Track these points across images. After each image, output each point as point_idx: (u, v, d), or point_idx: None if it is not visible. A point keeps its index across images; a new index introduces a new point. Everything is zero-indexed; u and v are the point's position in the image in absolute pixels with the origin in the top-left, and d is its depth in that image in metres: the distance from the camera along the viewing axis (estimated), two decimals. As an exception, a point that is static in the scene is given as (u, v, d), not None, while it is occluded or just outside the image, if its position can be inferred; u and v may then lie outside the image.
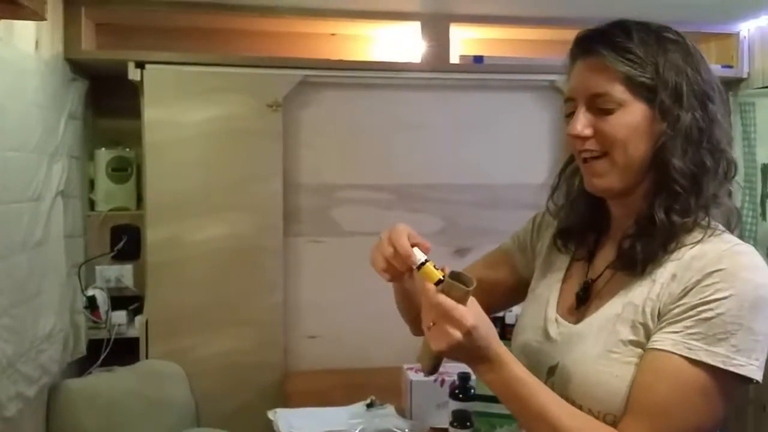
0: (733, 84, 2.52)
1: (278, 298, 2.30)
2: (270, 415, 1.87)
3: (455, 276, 0.94)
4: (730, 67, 2.53)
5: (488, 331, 0.93)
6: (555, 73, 2.37)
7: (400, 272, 1.06)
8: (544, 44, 2.65)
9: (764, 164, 2.38)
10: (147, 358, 2.20)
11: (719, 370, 0.88)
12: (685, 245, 0.96)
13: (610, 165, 0.98)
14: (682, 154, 0.95)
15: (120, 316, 2.30)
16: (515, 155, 2.48)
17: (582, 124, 0.99)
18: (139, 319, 2.25)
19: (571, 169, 1.12)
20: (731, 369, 0.88)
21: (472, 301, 0.93)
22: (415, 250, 1.00)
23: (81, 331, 2.21)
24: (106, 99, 2.42)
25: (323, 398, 2.00)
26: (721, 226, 0.98)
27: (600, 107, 0.98)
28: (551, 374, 1.02)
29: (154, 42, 2.37)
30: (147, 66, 2.17)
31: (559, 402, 0.94)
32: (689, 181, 0.95)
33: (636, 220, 1.00)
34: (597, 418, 0.94)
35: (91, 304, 2.26)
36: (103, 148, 2.39)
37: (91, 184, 2.40)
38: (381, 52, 2.58)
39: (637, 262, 0.97)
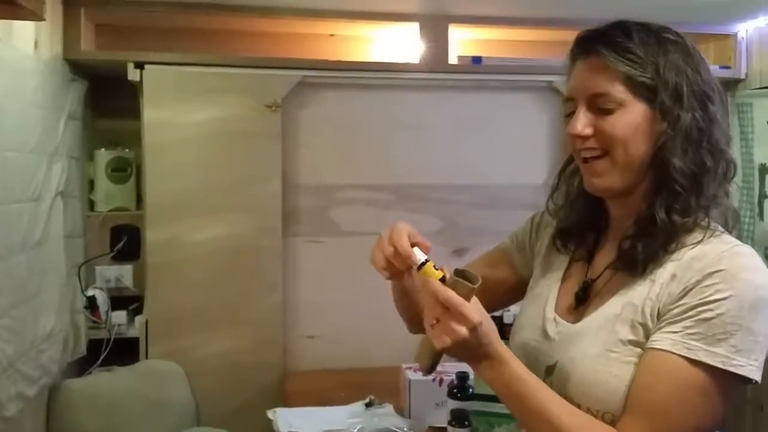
0: (730, 84, 2.52)
1: (277, 298, 2.31)
2: (269, 414, 1.88)
3: (460, 273, 0.94)
4: (728, 67, 2.54)
5: (490, 328, 0.93)
6: (553, 73, 2.38)
7: (400, 271, 1.07)
8: (542, 45, 2.66)
9: (762, 164, 2.39)
10: (147, 358, 2.21)
11: (718, 371, 0.88)
12: (686, 246, 0.96)
13: (610, 165, 0.99)
14: (682, 154, 0.96)
15: (120, 316, 2.31)
16: (513, 156, 2.48)
17: (582, 123, 0.99)
18: (138, 319, 2.26)
19: (570, 169, 1.12)
20: (731, 369, 0.88)
21: (474, 298, 0.93)
22: (416, 249, 1.00)
23: (81, 331, 2.21)
24: (106, 99, 2.43)
25: (322, 398, 2.00)
26: (720, 227, 0.99)
27: (600, 107, 0.98)
28: (549, 373, 1.02)
29: (153, 43, 2.37)
30: (146, 66, 2.18)
31: (558, 401, 0.94)
32: (689, 180, 0.96)
33: (636, 220, 1.00)
34: (595, 417, 0.94)
35: (91, 304, 2.27)
36: (103, 149, 2.40)
37: (91, 185, 2.41)
38: (380, 52, 2.58)
39: (637, 263, 0.97)
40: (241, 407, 2.22)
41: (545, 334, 1.06)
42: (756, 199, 2.42)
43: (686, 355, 0.89)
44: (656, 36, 0.99)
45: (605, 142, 0.98)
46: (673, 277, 0.94)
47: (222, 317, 2.26)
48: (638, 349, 0.94)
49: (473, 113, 2.46)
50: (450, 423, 1.64)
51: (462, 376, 1.68)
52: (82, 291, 2.26)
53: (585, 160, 1.01)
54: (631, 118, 0.97)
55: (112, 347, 2.26)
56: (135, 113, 2.25)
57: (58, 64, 2.07)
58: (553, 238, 1.15)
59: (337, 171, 2.39)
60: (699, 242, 0.95)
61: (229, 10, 2.21)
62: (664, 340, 0.91)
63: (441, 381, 1.82)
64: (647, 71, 0.96)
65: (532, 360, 1.03)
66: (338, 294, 2.38)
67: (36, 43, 1.87)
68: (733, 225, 1.01)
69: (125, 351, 2.25)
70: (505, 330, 1.58)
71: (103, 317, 2.29)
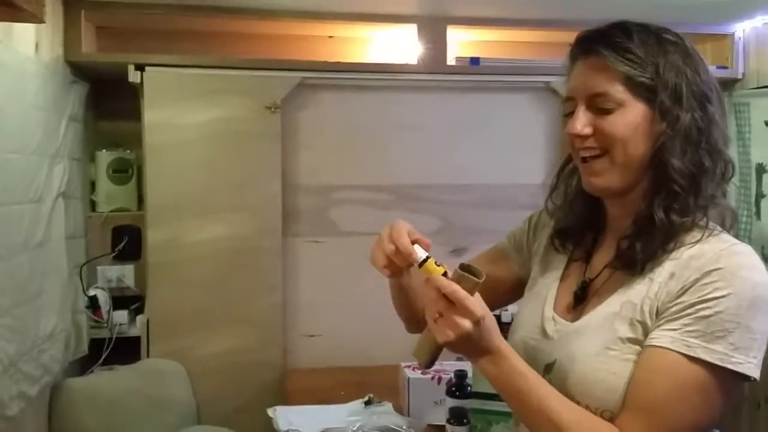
0: (728, 84, 2.53)
1: (277, 298, 2.32)
2: (270, 412, 1.89)
3: (465, 268, 0.94)
4: (725, 67, 2.54)
5: (492, 323, 0.94)
6: (551, 74, 2.39)
7: (400, 269, 1.07)
8: (540, 46, 2.67)
9: (759, 164, 2.40)
10: (148, 357, 2.22)
11: (717, 368, 0.89)
12: (684, 245, 0.96)
13: (608, 164, 0.99)
14: (681, 154, 0.96)
15: (121, 316, 2.32)
16: (511, 156, 2.49)
17: (582, 122, 0.99)
18: (140, 319, 2.27)
19: (568, 169, 1.12)
20: (729, 366, 0.89)
21: (477, 293, 0.93)
22: (416, 247, 1.01)
23: (83, 331, 2.22)
24: (107, 101, 2.44)
25: (322, 396, 2.01)
26: (718, 227, 0.99)
27: (599, 107, 0.98)
28: (548, 371, 1.02)
29: (153, 45, 2.38)
30: (147, 68, 2.19)
31: (558, 397, 0.94)
32: (688, 181, 0.96)
33: (635, 219, 1.00)
34: (594, 414, 0.95)
35: (93, 303, 2.28)
36: (104, 150, 2.41)
37: (92, 186, 2.42)
38: (378, 54, 2.59)
39: (636, 262, 0.98)
40: (242, 406, 2.23)
41: (544, 332, 1.07)
42: (753, 199, 2.42)
43: (685, 352, 0.89)
44: (656, 36, 0.99)
45: (604, 141, 0.98)
46: (672, 275, 0.95)
47: (222, 316, 2.27)
48: (637, 347, 0.94)
49: (471, 114, 2.47)
50: (448, 421, 1.65)
51: (460, 375, 1.69)
52: (84, 291, 2.27)
53: (584, 160, 1.02)
54: (631, 118, 0.97)
55: (114, 346, 2.27)
56: (136, 115, 2.26)
57: (59, 67, 2.08)
58: (552, 238, 1.15)
59: (336, 171, 2.41)
60: (697, 241, 0.96)
61: (228, 13, 2.21)
62: (663, 337, 0.92)
63: (439, 379, 1.83)
64: (647, 71, 0.96)
65: (530, 358, 1.02)
66: (338, 293, 2.39)
67: (37, 45, 1.88)
68: (731, 225, 1.01)
69: (126, 350, 2.26)
70: (503, 329, 1.59)
71: (105, 317, 2.30)
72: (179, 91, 2.23)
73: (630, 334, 0.95)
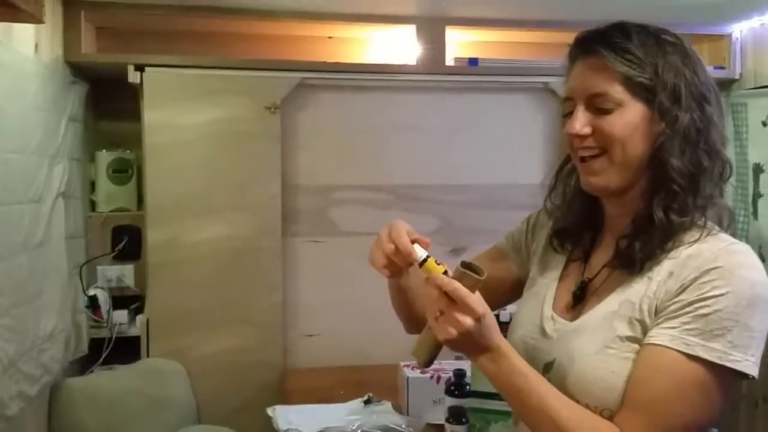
0: (725, 85, 2.53)
1: (277, 297, 2.32)
2: (269, 411, 1.89)
3: (467, 266, 0.95)
4: (723, 68, 2.55)
5: (493, 321, 0.94)
6: (549, 74, 2.39)
7: (400, 269, 1.08)
8: (538, 46, 2.67)
9: (756, 164, 2.40)
10: (148, 356, 2.22)
11: (716, 366, 0.89)
12: (683, 244, 0.97)
13: (607, 163, 0.99)
14: (680, 154, 0.96)
15: (121, 316, 2.33)
16: (510, 156, 2.50)
17: (581, 122, 1.00)
18: (140, 318, 2.27)
19: (567, 169, 1.13)
20: (728, 364, 0.89)
21: (477, 292, 0.94)
22: (416, 246, 1.01)
23: (82, 331, 2.23)
24: (107, 102, 2.44)
25: (321, 395, 2.02)
26: (716, 227, 0.99)
27: (599, 107, 0.98)
28: (547, 370, 1.02)
29: (153, 45, 2.38)
30: (146, 69, 2.19)
31: (558, 395, 0.95)
32: (687, 180, 0.97)
33: (633, 219, 1.00)
34: (594, 413, 0.95)
35: (93, 303, 2.28)
36: (104, 150, 2.42)
37: (92, 186, 2.42)
38: (377, 54, 2.59)
39: (635, 261, 0.98)
40: (242, 405, 2.24)
41: (543, 331, 1.07)
42: (750, 199, 2.43)
43: (684, 350, 0.90)
44: (655, 37, 0.99)
45: (603, 141, 0.99)
46: (671, 274, 0.95)
47: (222, 316, 2.27)
48: (636, 346, 0.95)
49: (470, 114, 2.48)
50: (447, 420, 1.66)
51: (459, 374, 1.69)
52: (84, 291, 2.27)
53: (582, 159, 1.02)
54: (630, 118, 0.97)
55: (114, 346, 2.28)
56: (135, 115, 2.26)
57: (58, 67, 2.08)
58: (550, 238, 1.15)
59: (335, 172, 2.41)
60: (696, 241, 0.96)
61: (228, 13, 2.22)
62: (661, 335, 0.92)
63: (438, 378, 1.83)
64: (646, 72, 0.97)
65: (530, 357, 1.03)
66: (337, 293, 2.40)
67: (36, 45, 1.89)
68: (728, 224, 1.01)
69: (126, 350, 2.27)
70: (502, 328, 1.60)
71: (105, 316, 2.30)
72: (179, 91, 2.23)
73: (629, 333, 0.96)
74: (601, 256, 1.07)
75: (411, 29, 2.39)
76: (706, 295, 0.91)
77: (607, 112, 0.98)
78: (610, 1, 1.85)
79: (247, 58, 2.39)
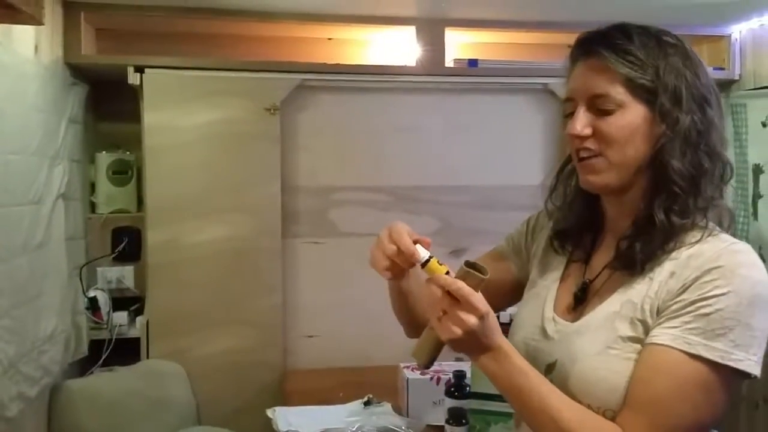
0: (725, 86, 2.54)
1: (277, 299, 2.32)
2: (269, 413, 1.89)
3: (470, 265, 0.95)
4: (722, 69, 2.55)
5: (494, 321, 0.94)
6: (548, 76, 2.40)
7: (402, 270, 1.07)
8: (538, 48, 2.67)
9: (755, 165, 2.41)
10: (148, 358, 2.22)
11: (718, 365, 0.89)
12: (684, 245, 0.97)
13: (607, 163, 0.99)
14: (681, 156, 0.96)
15: (121, 317, 2.33)
16: (510, 157, 2.50)
17: (582, 123, 1.00)
18: (140, 320, 2.27)
19: (568, 170, 1.12)
20: (729, 364, 0.89)
21: (479, 292, 0.94)
22: (418, 247, 1.01)
23: (82, 332, 2.23)
24: (107, 103, 2.45)
25: (321, 396, 2.02)
26: (717, 227, 0.99)
27: (600, 108, 0.98)
28: (549, 372, 1.02)
29: (153, 47, 2.39)
30: (146, 70, 2.20)
31: (560, 395, 0.95)
32: (688, 182, 0.97)
33: (634, 220, 1.00)
34: (596, 413, 0.95)
35: (93, 305, 2.28)
36: (104, 152, 2.42)
37: (92, 187, 2.42)
38: (377, 56, 2.60)
39: (636, 262, 0.98)
40: (241, 406, 2.24)
41: (544, 333, 1.07)
42: (750, 199, 2.43)
43: (686, 349, 0.90)
44: (656, 39, 0.99)
45: (604, 142, 0.99)
46: (672, 274, 0.95)
47: (222, 317, 2.27)
48: (638, 346, 0.95)
49: (470, 115, 2.48)
50: (447, 421, 1.66)
51: (459, 375, 1.69)
52: (84, 292, 2.27)
53: (582, 159, 1.02)
54: (631, 119, 0.97)
55: (114, 347, 2.28)
56: (135, 116, 2.26)
57: (58, 68, 2.09)
58: (551, 240, 1.15)
59: (335, 173, 2.41)
60: (697, 241, 0.96)
61: (228, 15, 2.22)
62: (663, 335, 0.92)
63: (438, 380, 1.83)
64: (647, 73, 0.97)
65: (531, 359, 1.02)
66: (337, 294, 2.40)
67: (36, 47, 1.89)
68: (728, 225, 1.01)
69: (126, 351, 2.27)
70: (502, 330, 1.60)
71: (105, 318, 2.30)
72: (179, 92, 2.23)
73: (631, 333, 0.96)
74: (602, 257, 1.07)
75: (411, 30, 2.39)
76: (707, 295, 0.91)
77: (608, 113, 0.98)
78: (609, 2, 1.86)
79: (246, 60, 2.39)
